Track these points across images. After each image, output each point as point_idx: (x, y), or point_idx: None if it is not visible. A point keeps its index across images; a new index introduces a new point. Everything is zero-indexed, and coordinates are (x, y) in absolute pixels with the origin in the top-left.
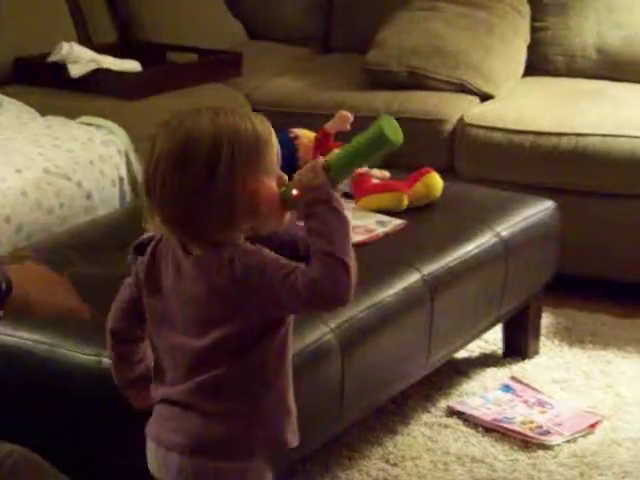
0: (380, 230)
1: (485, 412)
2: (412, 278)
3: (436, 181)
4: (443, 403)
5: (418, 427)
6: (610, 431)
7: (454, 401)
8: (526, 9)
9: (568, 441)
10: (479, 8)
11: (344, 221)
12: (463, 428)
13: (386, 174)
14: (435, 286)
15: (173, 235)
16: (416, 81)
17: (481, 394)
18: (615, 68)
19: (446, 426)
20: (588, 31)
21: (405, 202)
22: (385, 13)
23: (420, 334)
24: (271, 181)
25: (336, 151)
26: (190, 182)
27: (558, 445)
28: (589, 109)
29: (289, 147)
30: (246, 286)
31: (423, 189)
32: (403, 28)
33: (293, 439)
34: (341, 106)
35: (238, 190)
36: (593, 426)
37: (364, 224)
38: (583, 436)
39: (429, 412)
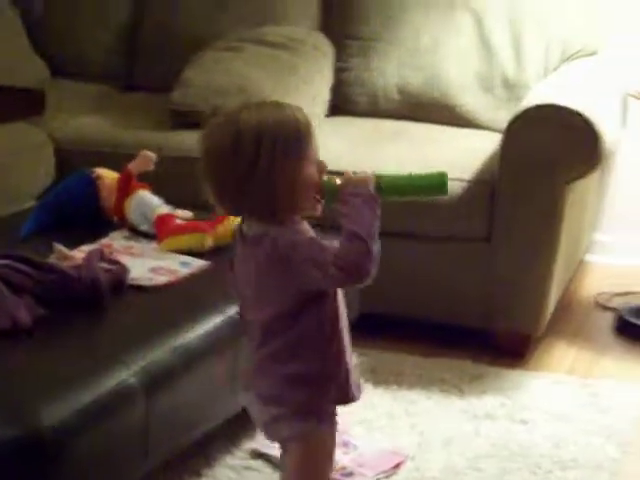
0: (184, 271)
1: None
2: (216, 320)
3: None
4: (247, 445)
5: (222, 469)
6: (414, 470)
7: (258, 443)
8: (329, 50)
9: None
10: (283, 49)
11: (375, 213)
12: (268, 470)
13: (189, 214)
14: (239, 327)
15: (227, 213)
16: None
17: None
18: (416, 109)
19: (251, 468)
20: (390, 72)
21: (209, 243)
22: (188, 52)
23: (225, 376)
24: (311, 168)
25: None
26: (238, 167)
27: None
28: (389, 149)
29: (90, 187)
30: (285, 262)
31: (226, 229)
32: (208, 68)
33: (357, 394)
34: (145, 145)
35: (278, 176)
36: (397, 466)
37: (167, 265)
38: (387, 477)
39: (233, 454)
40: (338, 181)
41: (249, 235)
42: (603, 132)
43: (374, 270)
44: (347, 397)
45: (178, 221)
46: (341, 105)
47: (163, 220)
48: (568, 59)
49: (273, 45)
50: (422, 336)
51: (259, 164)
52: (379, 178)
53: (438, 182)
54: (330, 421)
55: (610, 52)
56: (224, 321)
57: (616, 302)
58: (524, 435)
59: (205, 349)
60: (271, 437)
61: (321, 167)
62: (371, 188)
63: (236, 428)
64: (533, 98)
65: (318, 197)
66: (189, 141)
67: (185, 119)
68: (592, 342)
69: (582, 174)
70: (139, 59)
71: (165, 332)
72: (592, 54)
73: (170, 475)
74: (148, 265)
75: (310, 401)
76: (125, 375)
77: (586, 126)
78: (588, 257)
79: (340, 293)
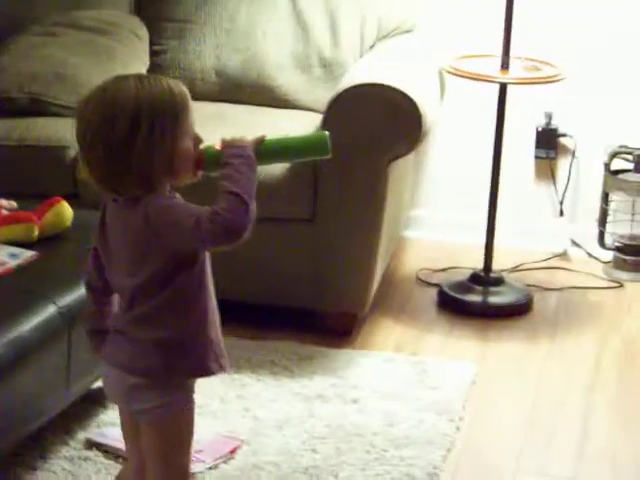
0: (12, 263)
1: None
2: (48, 311)
3: (66, 210)
4: (82, 435)
5: (58, 461)
6: (250, 455)
7: (92, 433)
8: (145, 33)
9: (210, 468)
10: (99, 33)
11: (253, 173)
12: (103, 460)
13: (14, 204)
14: (71, 317)
15: (100, 188)
16: (38, 107)
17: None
18: (236, 90)
19: (86, 459)
20: (207, 54)
21: (36, 233)
22: (1, 39)
23: (59, 367)
24: (188, 142)
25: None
26: (114, 144)
27: (201, 472)
28: (211, 133)
29: None
30: (157, 225)
31: (54, 219)
32: (22, 54)
33: (216, 367)
34: None
35: (156, 153)
36: (233, 451)
37: None
38: (224, 462)
39: (68, 445)
40: (217, 147)
41: (121, 202)
42: (425, 109)
43: (249, 228)
44: (206, 369)
45: (4, 211)
46: None
47: None
48: (385, 37)
49: (89, 29)
50: (249, 319)
51: (136, 140)
52: (259, 142)
53: (320, 142)
54: (188, 392)
55: (425, 29)
56: (56, 311)
57: (437, 278)
58: (357, 415)
59: (39, 341)
60: (129, 407)
61: (197, 140)
62: (250, 150)
63: (69, 418)
64: (352, 77)
65: (197, 167)
66: (2, 130)
67: (1, 106)
68: (416, 319)
69: (405, 152)
70: None
71: None
72: (408, 31)
73: (5, 469)
74: None
75: (168, 369)
76: None
77: (408, 104)
78: (406, 233)
79: (208, 262)
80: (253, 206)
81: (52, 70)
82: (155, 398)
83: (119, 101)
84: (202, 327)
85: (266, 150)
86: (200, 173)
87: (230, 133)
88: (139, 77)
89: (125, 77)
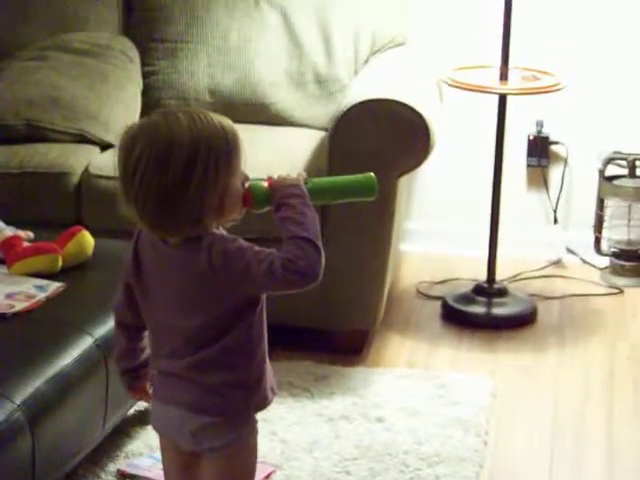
0: (41, 295)
1: (159, 472)
2: (86, 343)
3: (88, 239)
4: (112, 467)
5: None
6: None
7: (123, 464)
8: (136, 54)
9: None
10: (90, 56)
11: (314, 213)
12: None
13: (30, 235)
14: (107, 348)
15: (149, 229)
16: (35, 134)
17: (149, 454)
18: (230, 109)
19: None
20: (200, 74)
21: (59, 263)
22: None
23: (98, 400)
24: (238, 181)
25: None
26: (168, 183)
27: None
28: None
29: None
30: (225, 270)
31: (76, 248)
32: (15, 79)
33: (271, 395)
34: None
35: (209, 193)
36: (268, 477)
37: (23, 290)
38: None
39: (100, 478)
40: (265, 184)
41: (176, 242)
42: (432, 122)
43: (322, 271)
44: (266, 401)
45: (25, 243)
46: (151, 110)
47: (10, 243)
48: (378, 51)
49: (79, 52)
50: None
51: (192, 181)
52: (306, 180)
53: (368, 184)
54: (254, 426)
55: (418, 42)
56: (94, 343)
57: (437, 290)
58: (384, 433)
59: (80, 375)
60: (198, 446)
61: (244, 177)
62: (304, 188)
63: (97, 450)
64: (356, 93)
65: (244, 204)
66: (1, 157)
67: None
68: (423, 332)
69: (413, 166)
70: None
71: (39, 361)
72: (401, 44)
73: None
74: (3, 291)
75: (239, 407)
76: (11, 410)
77: (417, 118)
78: (401, 246)
79: (264, 301)
80: (321, 247)
81: (47, 95)
82: (227, 434)
83: (175, 140)
84: (264, 362)
85: (313, 189)
86: (245, 210)
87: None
88: (188, 113)
89: (173, 112)
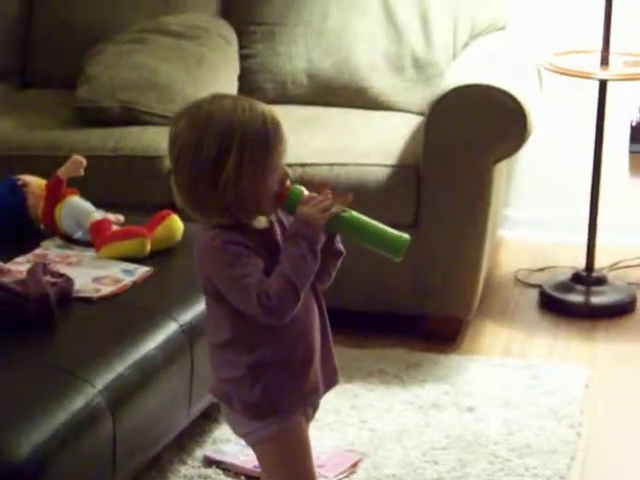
0: (128, 279)
1: (244, 459)
2: (171, 328)
3: (177, 224)
4: (199, 453)
5: None
6: (372, 469)
7: (210, 450)
8: (233, 37)
9: None
10: (187, 38)
11: (315, 262)
12: (223, 477)
13: (121, 218)
14: (193, 334)
15: (182, 204)
16: (130, 116)
17: (236, 440)
18: (327, 93)
19: (206, 477)
20: (298, 57)
21: (148, 248)
22: (85, 46)
23: (182, 386)
24: (273, 178)
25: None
26: (200, 165)
27: None
28: (304, 137)
29: (17, 195)
30: (215, 276)
31: (165, 233)
32: (112, 62)
33: (301, 401)
34: (56, 146)
35: (243, 185)
36: (355, 465)
37: (110, 274)
38: (347, 476)
39: (186, 464)
40: (305, 191)
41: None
42: (529, 108)
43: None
44: (290, 405)
45: (114, 227)
46: (248, 94)
47: (99, 226)
48: (477, 36)
49: (176, 35)
50: (353, 326)
51: (225, 167)
52: (345, 210)
53: (399, 243)
54: (278, 422)
55: (516, 26)
56: (179, 329)
57: (536, 278)
58: (475, 423)
59: (164, 360)
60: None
61: (285, 176)
62: (321, 231)
63: (184, 436)
64: (454, 78)
65: (277, 203)
66: (95, 140)
67: (93, 116)
68: (520, 321)
69: (510, 153)
70: (33, 54)
71: (122, 346)
72: (500, 29)
73: None
74: (90, 275)
75: (243, 403)
76: (92, 395)
77: (514, 104)
78: (499, 233)
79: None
80: (302, 296)
81: (143, 78)
82: (244, 425)
83: (212, 121)
84: (269, 366)
85: (347, 221)
86: (277, 208)
87: (319, 140)
88: (237, 99)
89: (222, 96)
